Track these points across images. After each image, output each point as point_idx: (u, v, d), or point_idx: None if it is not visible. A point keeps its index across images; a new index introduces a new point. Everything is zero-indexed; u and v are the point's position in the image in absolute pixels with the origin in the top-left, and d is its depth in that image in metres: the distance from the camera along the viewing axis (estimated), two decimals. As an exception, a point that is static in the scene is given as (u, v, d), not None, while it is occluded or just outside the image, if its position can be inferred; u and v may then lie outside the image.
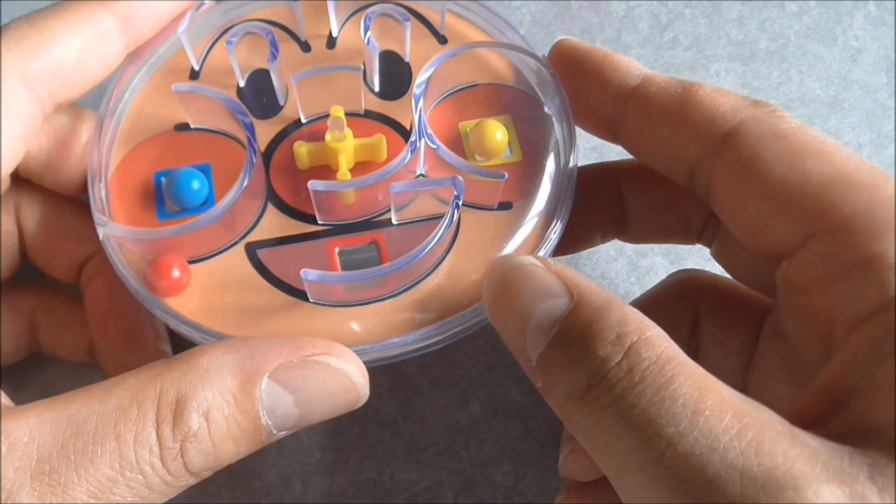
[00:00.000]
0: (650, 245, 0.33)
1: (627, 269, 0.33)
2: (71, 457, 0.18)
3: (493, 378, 0.31)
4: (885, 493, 0.16)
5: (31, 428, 0.19)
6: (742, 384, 0.26)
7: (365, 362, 0.22)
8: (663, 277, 0.29)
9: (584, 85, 0.25)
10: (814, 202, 0.19)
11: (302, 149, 0.24)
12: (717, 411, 0.17)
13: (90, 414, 0.19)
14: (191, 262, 0.24)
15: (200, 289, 0.23)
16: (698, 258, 0.33)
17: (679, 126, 0.22)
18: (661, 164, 0.24)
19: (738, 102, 0.22)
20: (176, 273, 0.23)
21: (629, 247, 0.33)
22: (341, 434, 0.30)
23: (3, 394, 0.21)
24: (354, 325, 0.23)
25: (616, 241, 0.33)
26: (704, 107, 0.22)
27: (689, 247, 0.33)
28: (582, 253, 0.33)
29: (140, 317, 0.28)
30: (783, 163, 0.20)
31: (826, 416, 0.18)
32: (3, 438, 0.18)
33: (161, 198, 0.25)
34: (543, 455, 0.30)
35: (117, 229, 0.23)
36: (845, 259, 0.19)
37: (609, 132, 0.25)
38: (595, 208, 0.27)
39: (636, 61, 0.24)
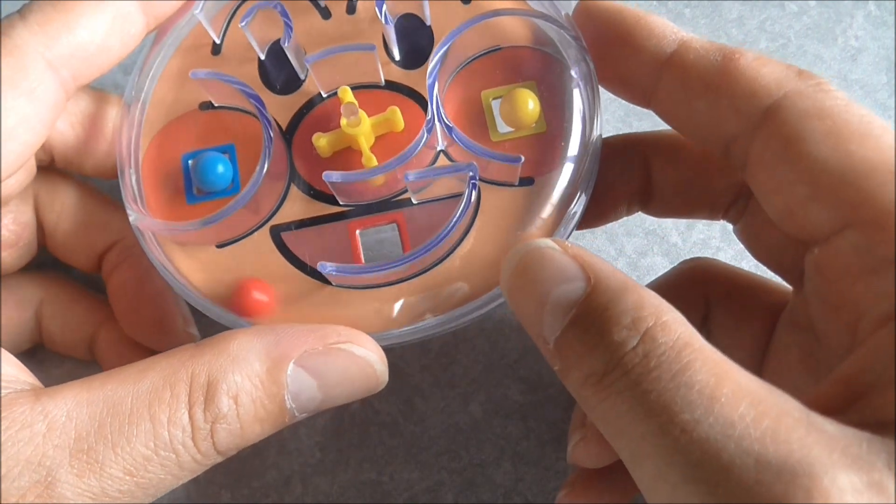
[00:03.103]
0: (650, 245, 0.33)
1: (628, 269, 0.33)
2: (108, 436, 0.19)
3: (493, 378, 0.31)
4: None
5: (69, 408, 0.19)
6: (755, 374, 0.25)
7: (386, 346, 0.23)
8: (674, 266, 0.29)
9: (614, 50, 0.23)
10: (854, 190, 0.19)
11: (321, 141, 0.24)
12: (734, 398, 0.16)
13: (125, 395, 0.20)
14: (219, 247, 0.24)
15: (229, 273, 0.24)
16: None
17: (718, 99, 0.21)
18: (697, 135, 0.23)
19: (783, 74, 0.21)
20: (259, 297, 0.24)
21: (629, 246, 0.33)
22: (342, 435, 0.30)
23: (31, 375, 0.21)
24: (369, 309, 0.23)
25: (617, 241, 0.33)
26: (746, 79, 0.21)
27: (689, 247, 0.33)
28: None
29: (168, 303, 0.28)
30: (825, 144, 0.19)
31: (843, 406, 0.18)
32: (42, 418, 0.19)
33: (189, 181, 0.25)
34: (543, 455, 0.30)
35: (146, 221, 0.24)
36: (879, 253, 0.18)
37: (642, 100, 0.24)
38: (621, 181, 0.27)
39: (671, 23, 0.23)
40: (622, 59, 0.23)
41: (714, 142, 0.22)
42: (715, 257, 0.33)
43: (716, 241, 0.33)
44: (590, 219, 0.24)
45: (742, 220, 0.26)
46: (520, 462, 0.30)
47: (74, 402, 0.19)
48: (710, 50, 0.22)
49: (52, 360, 0.31)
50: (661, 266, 0.33)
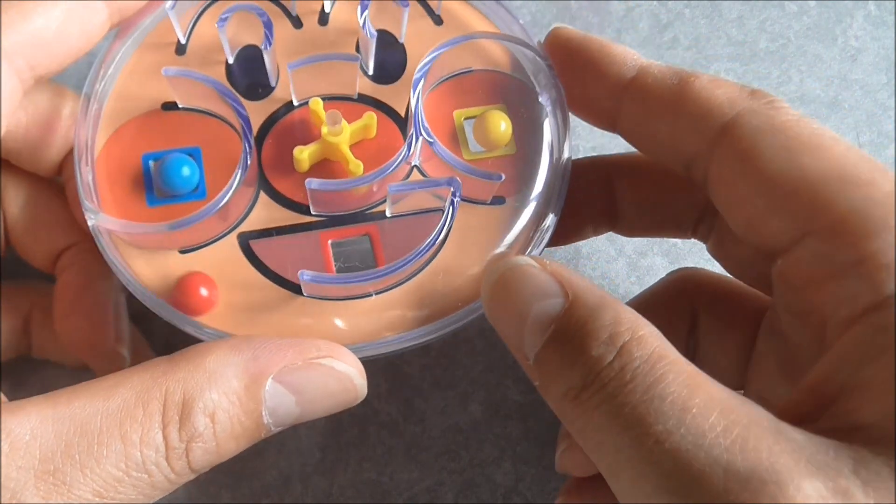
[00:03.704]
0: (650, 245, 0.33)
1: (627, 269, 0.33)
2: (76, 456, 0.18)
3: (493, 378, 0.31)
4: (868, 488, 0.16)
5: (33, 426, 0.18)
6: (741, 381, 0.26)
7: (360, 357, 0.22)
8: (663, 277, 0.29)
9: (580, 76, 0.24)
10: (809, 199, 0.19)
11: (303, 154, 0.24)
12: (705, 409, 0.17)
13: (94, 413, 0.19)
14: (182, 252, 0.23)
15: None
16: (698, 258, 0.33)
17: (676, 119, 0.22)
18: (659, 155, 0.24)
19: (736, 93, 0.22)
20: (204, 293, 0.23)
21: (629, 247, 0.33)
22: (341, 434, 0.30)
23: None
24: (340, 322, 0.23)
25: (617, 241, 0.33)
26: (701, 99, 0.22)
27: (689, 247, 0.33)
28: (582, 252, 0.33)
29: (104, 316, 0.27)
30: (780, 157, 0.20)
31: (815, 413, 0.18)
32: (4, 436, 0.18)
33: (150, 183, 0.24)
34: (543, 455, 0.30)
35: (108, 221, 0.23)
36: (839, 258, 0.19)
37: (607, 123, 0.25)
38: (586, 202, 0.27)
39: (632, 50, 0.24)
40: (586, 84, 0.24)
41: (676, 161, 0.23)
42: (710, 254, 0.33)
43: (716, 241, 0.33)
44: (555, 239, 0.25)
45: (711, 237, 0.27)
46: (520, 462, 0.30)
47: (39, 420, 0.18)
48: (667, 74, 0.23)
49: (50, 363, 0.30)
50: (661, 266, 0.33)
